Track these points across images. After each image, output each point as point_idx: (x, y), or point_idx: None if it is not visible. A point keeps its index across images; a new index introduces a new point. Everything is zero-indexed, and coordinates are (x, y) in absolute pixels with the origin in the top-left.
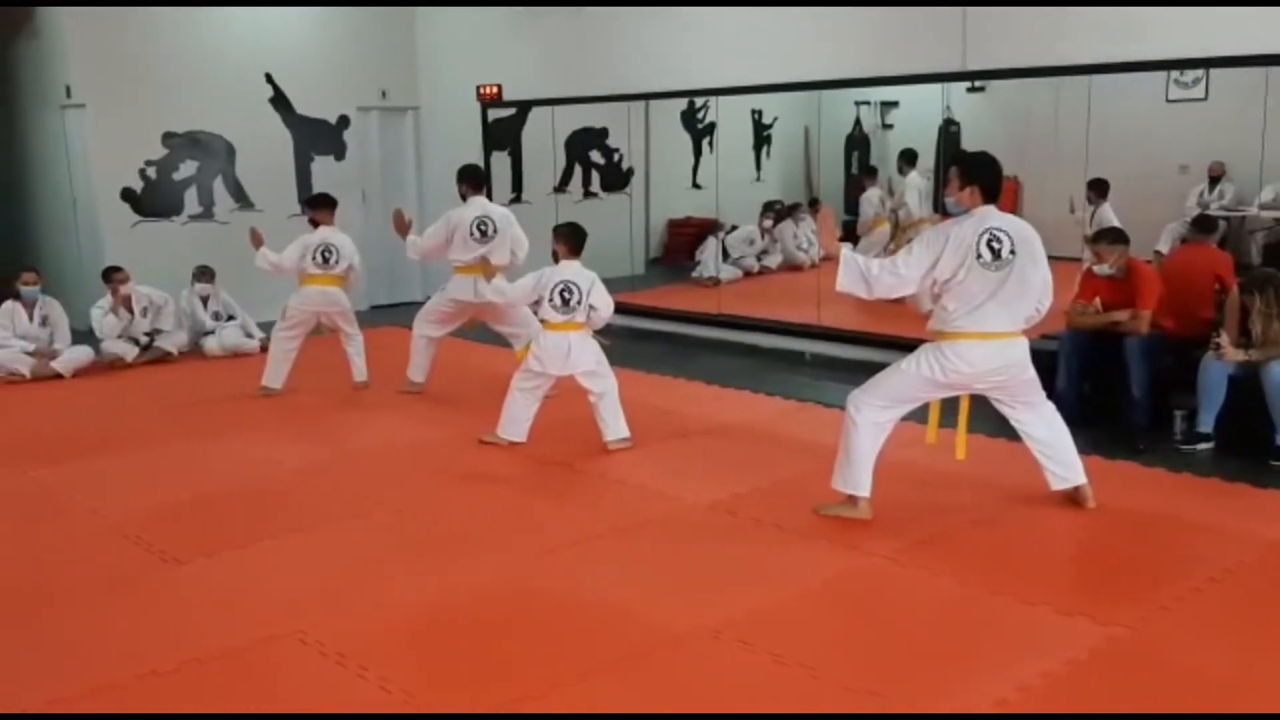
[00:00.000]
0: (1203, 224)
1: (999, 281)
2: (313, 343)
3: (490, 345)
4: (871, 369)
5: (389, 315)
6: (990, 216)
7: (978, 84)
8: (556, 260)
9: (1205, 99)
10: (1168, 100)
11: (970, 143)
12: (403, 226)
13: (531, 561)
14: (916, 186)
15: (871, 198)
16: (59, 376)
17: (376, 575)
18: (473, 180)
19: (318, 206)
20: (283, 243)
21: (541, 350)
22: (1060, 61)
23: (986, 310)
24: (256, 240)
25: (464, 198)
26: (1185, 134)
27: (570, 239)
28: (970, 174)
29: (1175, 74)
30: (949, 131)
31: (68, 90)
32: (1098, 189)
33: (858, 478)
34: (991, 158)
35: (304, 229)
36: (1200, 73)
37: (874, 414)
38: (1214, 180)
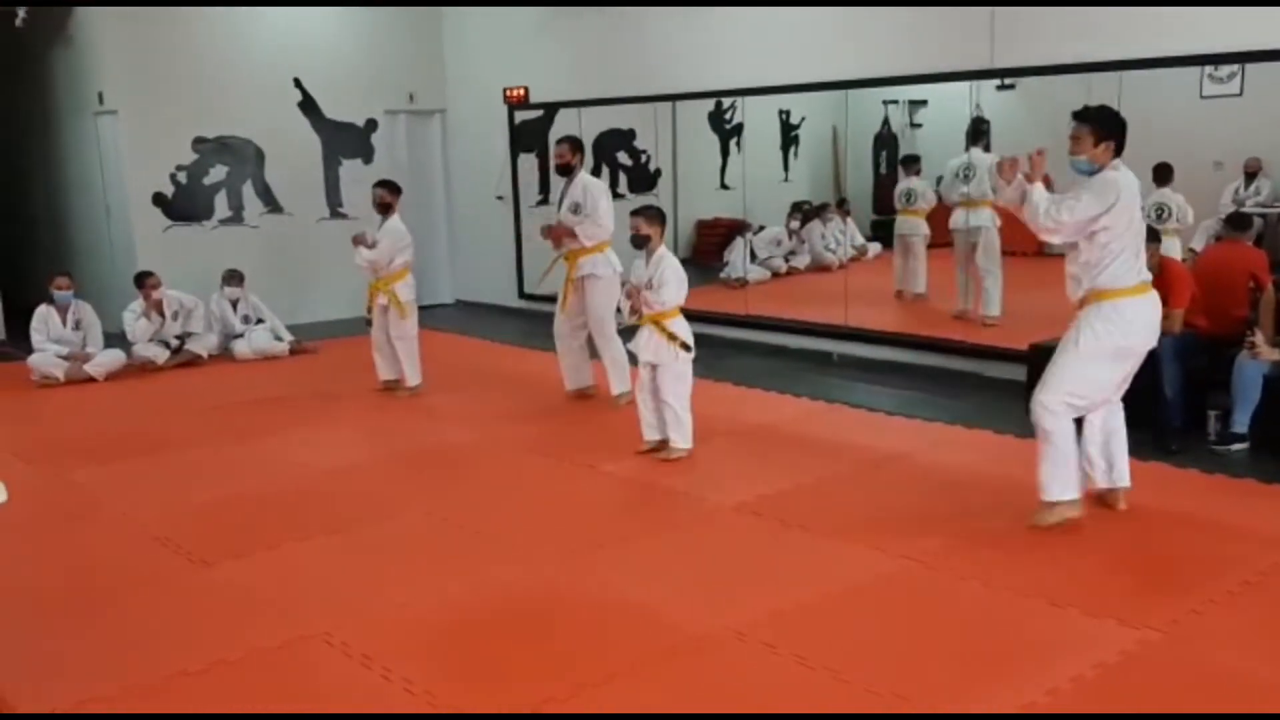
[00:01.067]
0: (1237, 221)
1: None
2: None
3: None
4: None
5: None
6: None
7: (1007, 82)
8: (644, 246)
9: (1240, 95)
10: (1201, 96)
11: (1001, 141)
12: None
13: (557, 563)
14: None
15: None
16: (92, 380)
17: (403, 577)
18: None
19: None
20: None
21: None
22: (1090, 58)
23: (1139, 265)
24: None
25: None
26: (1220, 130)
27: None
28: (1106, 129)
29: (1209, 69)
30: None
31: (100, 97)
32: (1158, 175)
33: (1067, 479)
34: (1116, 111)
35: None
36: (1235, 68)
37: (1067, 418)
38: (1250, 176)
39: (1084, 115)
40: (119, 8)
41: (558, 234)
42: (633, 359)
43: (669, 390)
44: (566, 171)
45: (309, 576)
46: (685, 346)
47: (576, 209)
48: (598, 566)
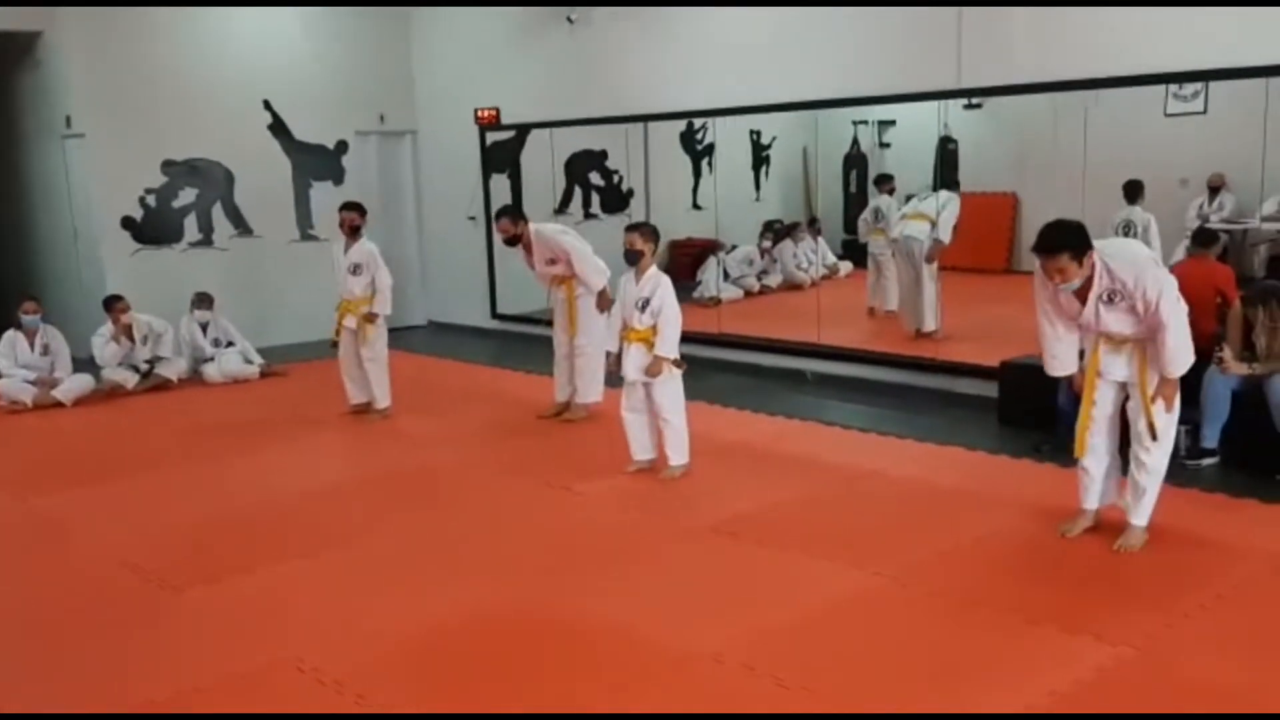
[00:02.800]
0: (1202, 237)
1: None
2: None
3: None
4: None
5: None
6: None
7: (974, 101)
8: (637, 262)
9: (1204, 112)
10: (1166, 114)
11: (968, 159)
12: None
13: (532, 585)
14: (890, 206)
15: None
16: (60, 405)
17: (376, 600)
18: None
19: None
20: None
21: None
22: (1056, 77)
23: None
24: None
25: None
26: (1185, 147)
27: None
28: (1078, 245)
29: (1174, 87)
30: (946, 149)
31: (68, 120)
32: (1129, 192)
33: None
34: (1069, 221)
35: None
36: (1199, 86)
37: None
38: (1213, 191)
39: (1051, 248)
40: (87, 32)
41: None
42: (611, 380)
43: (668, 407)
44: (514, 243)
45: (280, 601)
46: (676, 363)
47: (553, 263)
48: (574, 588)
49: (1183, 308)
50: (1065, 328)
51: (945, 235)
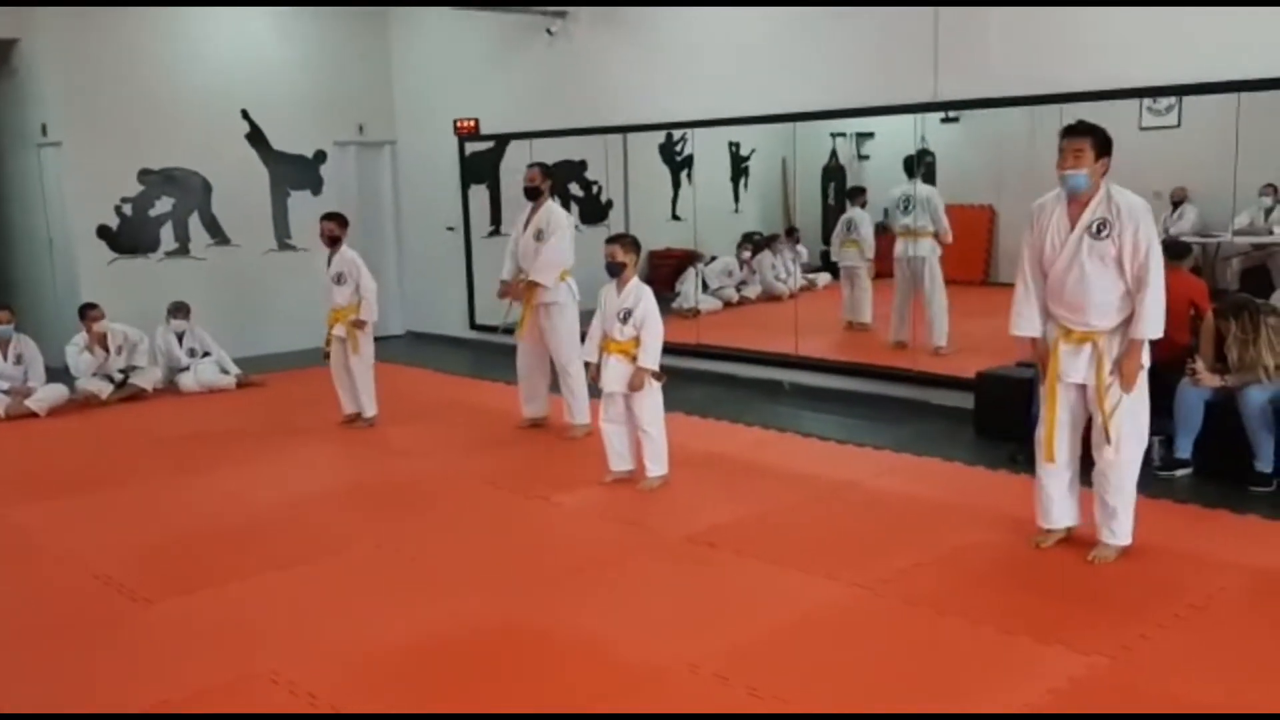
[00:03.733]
0: (1173, 249)
1: None
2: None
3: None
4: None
5: None
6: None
7: (951, 114)
8: (619, 274)
9: (1178, 126)
10: (1141, 128)
11: (946, 172)
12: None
13: (508, 597)
14: (863, 219)
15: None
16: (34, 415)
17: (351, 613)
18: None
19: None
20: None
21: None
22: (1032, 90)
23: None
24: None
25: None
26: (1159, 161)
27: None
28: (1105, 144)
29: (1148, 101)
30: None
31: (44, 129)
32: None
33: None
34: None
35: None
36: (1173, 100)
37: None
38: (1175, 205)
39: (1082, 129)
40: (64, 40)
41: (515, 292)
42: (593, 391)
43: (647, 418)
44: (534, 195)
45: (255, 613)
46: (656, 375)
47: (540, 235)
48: (550, 600)
49: (1163, 272)
50: (1038, 288)
51: (949, 236)
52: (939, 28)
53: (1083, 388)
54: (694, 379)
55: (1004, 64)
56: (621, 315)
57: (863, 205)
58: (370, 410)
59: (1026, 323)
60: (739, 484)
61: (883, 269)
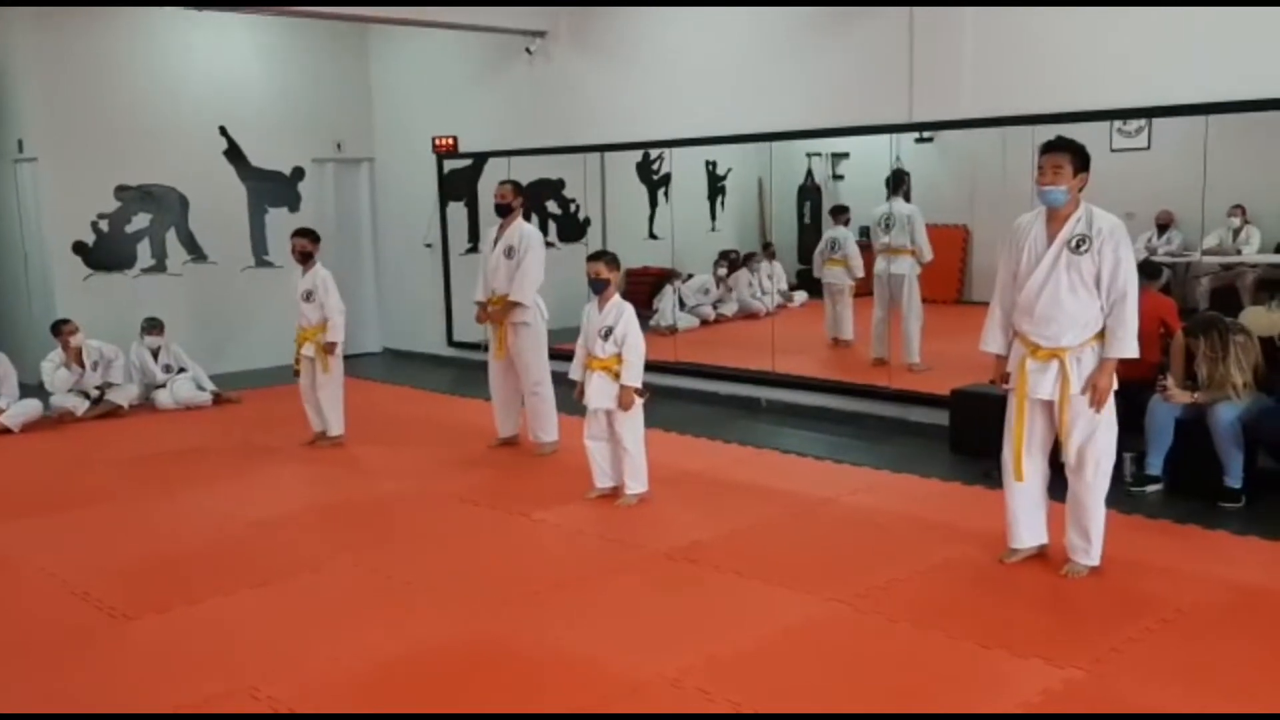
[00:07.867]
0: (1146, 269)
1: None
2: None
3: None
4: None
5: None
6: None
7: (926, 135)
8: (602, 291)
9: (1148, 148)
10: (1112, 149)
11: (920, 192)
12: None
13: (490, 613)
14: (847, 238)
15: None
16: (7, 431)
17: (332, 629)
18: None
19: None
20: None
21: None
22: (1004, 112)
23: None
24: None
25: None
26: (1130, 182)
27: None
28: (1083, 161)
29: (1118, 124)
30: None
31: (20, 144)
32: None
33: None
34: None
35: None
36: (1143, 122)
37: None
38: (1162, 228)
39: (1061, 145)
40: (41, 55)
41: (495, 316)
42: (580, 408)
43: (628, 436)
44: (505, 212)
45: (234, 631)
46: (639, 392)
47: (510, 252)
48: (531, 616)
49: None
50: (1009, 313)
51: (929, 254)
52: (914, 49)
53: (1050, 404)
54: (672, 396)
55: (977, 86)
56: (603, 332)
57: (845, 224)
58: (336, 429)
59: (994, 341)
60: (719, 500)
61: (861, 286)
